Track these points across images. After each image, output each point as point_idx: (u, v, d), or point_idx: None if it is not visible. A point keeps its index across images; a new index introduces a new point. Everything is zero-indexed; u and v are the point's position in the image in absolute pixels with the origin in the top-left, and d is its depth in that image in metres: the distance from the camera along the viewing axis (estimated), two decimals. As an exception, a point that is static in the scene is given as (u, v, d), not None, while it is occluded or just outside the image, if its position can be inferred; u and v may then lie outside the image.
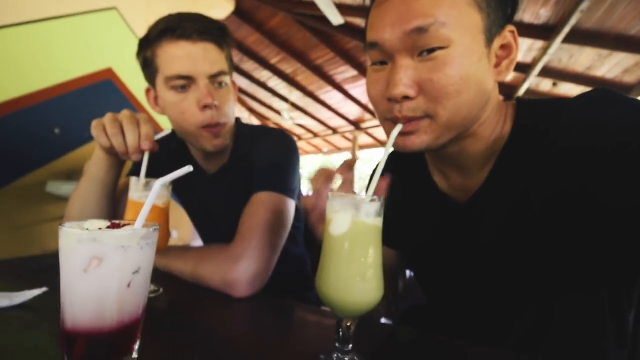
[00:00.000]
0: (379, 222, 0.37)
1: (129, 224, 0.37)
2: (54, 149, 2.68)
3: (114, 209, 0.75)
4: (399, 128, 0.45)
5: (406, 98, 0.44)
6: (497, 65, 0.47)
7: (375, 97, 0.49)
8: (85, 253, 0.31)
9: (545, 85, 4.41)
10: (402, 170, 0.68)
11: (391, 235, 0.70)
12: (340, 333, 0.37)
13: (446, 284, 0.63)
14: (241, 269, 0.60)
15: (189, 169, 0.37)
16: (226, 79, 0.73)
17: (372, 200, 0.36)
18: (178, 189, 0.93)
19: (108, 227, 0.36)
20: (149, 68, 0.72)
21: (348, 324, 0.37)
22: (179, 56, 0.66)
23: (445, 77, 0.42)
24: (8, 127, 2.25)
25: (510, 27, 0.47)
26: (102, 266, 0.31)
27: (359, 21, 4.15)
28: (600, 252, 0.47)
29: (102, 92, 2.88)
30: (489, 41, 0.44)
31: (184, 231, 4.02)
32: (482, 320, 0.59)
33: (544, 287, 0.51)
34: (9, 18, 2.22)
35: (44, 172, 2.49)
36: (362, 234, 0.35)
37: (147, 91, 0.78)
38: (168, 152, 0.86)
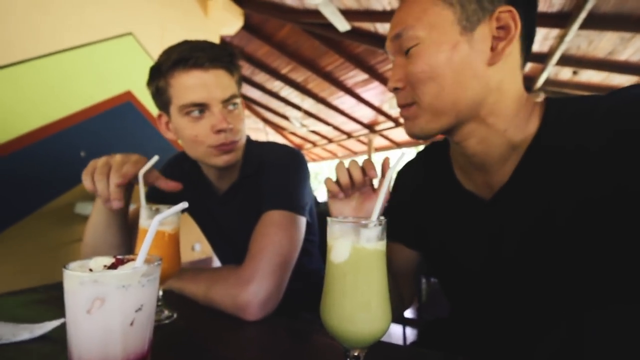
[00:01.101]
0: (381, 245, 0.35)
1: (132, 259, 0.37)
2: (80, 171, 2.79)
3: (128, 234, 0.76)
4: (400, 156, 0.46)
5: (397, 89, 0.54)
6: (493, 48, 0.49)
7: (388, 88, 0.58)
8: (87, 294, 0.31)
9: (565, 74, 4.24)
10: (426, 171, 0.69)
11: (414, 236, 0.70)
12: (348, 362, 0.36)
13: (470, 288, 0.61)
14: (252, 292, 0.60)
15: (184, 205, 0.38)
16: (237, 100, 0.76)
17: (372, 225, 0.35)
18: (191, 210, 0.94)
19: (112, 264, 0.37)
20: (162, 96, 0.74)
21: (355, 354, 0.36)
22: (192, 85, 0.69)
23: (417, 68, 0.50)
24: (37, 153, 2.37)
25: (504, 8, 0.48)
26: (104, 306, 0.31)
27: (365, 25, 4.14)
28: (638, 254, 0.44)
29: (123, 114, 3.00)
30: (468, 29, 0.48)
31: (206, 244, 4.09)
32: (507, 334, 0.56)
33: (576, 294, 0.48)
34: (32, 52, 2.36)
35: (72, 194, 2.61)
36: (363, 261, 0.34)
37: (159, 117, 0.80)
38: (181, 173, 0.87)
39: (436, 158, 0.67)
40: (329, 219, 0.37)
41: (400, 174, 0.77)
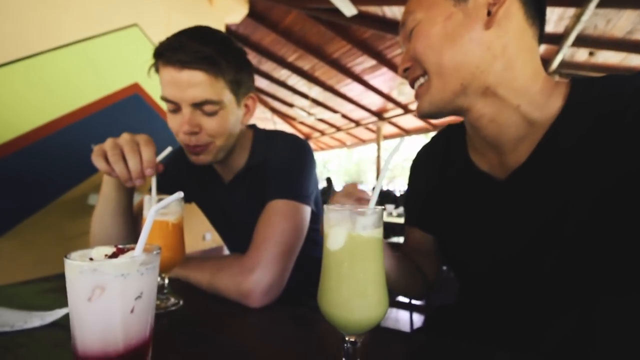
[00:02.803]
0: (377, 233, 0.35)
1: (133, 248, 0.38)
2: (91, 164, 2.85)
3: (134, 225, 0.78)
4: (402, 141, 0.44)
5: (406, 70, 0.58)
6: (489, 14, 0.50)
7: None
8: (87, 283, 0.32)
9: (581, 55, 4.09)
10: (441, 155, 0.69)
11: (430, 220, 0.70)
12: (346, 348, 0.36)
13: (483, 270, 0.60)
14: (255, 280, 0.61)
15: (179, 194, 0.38)
16: (215, 107, 0.70)
17: (369, 213, 0.34)
18: (198, 199, 0.95)
19: (113, 253, 0.38)
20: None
21: (352, 339, 0.36)
22: (166, 81, 0.68)
23: (417, 44, 0.54)
24: (49, 147, 2.43)
25: None
26: (104, 295, 0.32)
27: (373, 9, 4.05)
28: None
29: (131, 105, 3.03)
30: (461, 0, 0.51)
31: (217, 233, 4.16)
32: (517, 320, 0.56)
33: (590, 279, 0.47)
34: (38, 46, 2.38)
35: (85, 186, 2.67)
36: (359, 248, 0.34)
37: None
38: (187, 162, 0.88)
39: (451, 141, 0.68)
40: (325, 206, 0.36)
41: (416, 159, 0.77)
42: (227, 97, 0.72)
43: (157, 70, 0.71)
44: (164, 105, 0.77)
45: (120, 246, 0.39)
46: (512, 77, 0.50)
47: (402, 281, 0.62)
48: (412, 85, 0.59)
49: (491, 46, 0.50)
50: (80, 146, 2.64)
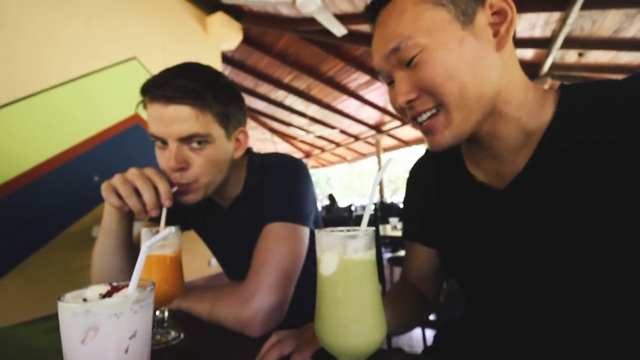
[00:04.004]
0: (369, 255, 0.35)
1: (127, 286, 0.38)
2: (95, 195, 2.88)
3: (135, 256, 0.77)
4: (389, 163, 0.44)
5: (411, 101, 0.51)
6: (495, 34, 0.48)
7: (396, 110, 0.56)
8: (80, 325, 0.32)
9: (571, 57, 4.14)
10: (437, 167, 0.68)
11: (431, 233, 0.69)
12: (348, 376, 0.36)
13: (486, 283, 0.59)
14: (254, 308, 0.60)
15: (170, 229, 0.38)
16: (204, 139, 0.68)
17: (359, 236, 0.34)
18: (197, 227, 0.95)
19: (108, 292, 0.37)
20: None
21: (353, 367, 0.35)
22: (153, 117, 0.67)
23: (430, 73, 0.47)
24: (52, 181, 2.45)
25: None
26: (98, 336, 0.32)
27: (362, 28, 4.15)
28: None
29: (132, 136, 3.08)
30: (467, 22, 0.47)
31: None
32: (523, 335, 0.54)
33: (597, 291, 0.46)
34: (41, 84, 2.45)
35: (89, 218, 2.68)
36: (352, 272, 0.34)
37: None
38: None
39: (446, 152, 0.66)
40: (316, 230, 0.36)
41: (412, 172, 0.77)
42: (216, 130, 0.70)
43: (144, 107, 0.71)
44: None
45: (114, 284, 0.38)
46: (513, 92, 0.50)
47: (402, 329, 0.65)
48: (415, 118, 0.53)
49: (501, 68, 0.49)
50: (83, 179, 2.67)
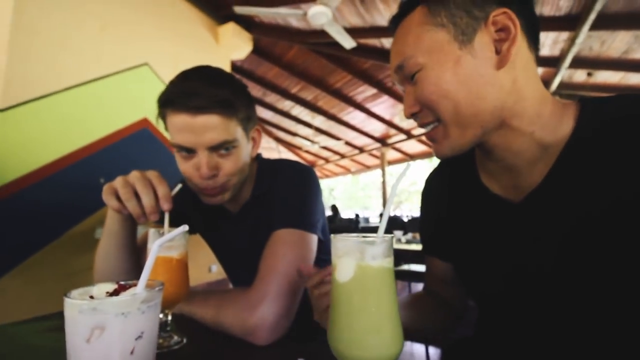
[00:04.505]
0: (388, 262, 0.33)
1: (135, 285, 0.37)
2: (100, 197, 2.88)
3: (138, 258, 0.76)
4: (408, 167, 0.44)
5: (414, 114, 0.55)
6: (498, 52, 0.49)
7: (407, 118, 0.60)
8: (86, 323, 0.30)
9: (579, 76, 4.15)
10: (451, 179, 0.68)
11: (444, 247, 0.69)
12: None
13: (501, 295, 0.57)
14: (261, 315, 0.58)
15: (184, 227, 0.37)
16: (231, 145, 0.70)
17: (377, 242, 0.33)
18: (203, 231, 0.94)
19: (115, 290, 0.36)
20: (165, 124, 0.74)
21: (366, 380, 0.33)
22: (179, 128, 0.66)
23: (425, 91, 0.50)
24: (58, 182, 2.46)
25: (497, 11, 0.48)
26: (104, 335, 0.31)
27: (371, 41, 4.21)
28: None
29: (140, 140, 3.11)
30: (466, 41, 0.49)
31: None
32: (539, 353, 0.52)
33: (619, 306, 0.44)
34: (53, 86, 2.49)
35: (93, 220, 2.68)
36: (370, 280, 0.32)
37: None
38: (193, 195, 0.88)
39: (460, 165, 0.66)
40: (332, 235, 0.35)
41: (426, 185, 0.76)
42: (239, 134, 0.71)
43: (162, 118, 0.70)
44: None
45: (122, 282, 0.37)
46: (524, 106, 0.50)
47: (418, 326, 0.62)
48: (422, 126, 0.57)
49: (504, 84, 0.49)
50: (90, 181, 2.68)
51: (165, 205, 0.62)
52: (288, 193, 0.78)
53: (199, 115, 0.65)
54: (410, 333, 0.63)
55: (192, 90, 0.65)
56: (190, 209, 0.90)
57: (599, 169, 0.46)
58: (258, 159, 0.88)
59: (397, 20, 0.56)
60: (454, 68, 0.48)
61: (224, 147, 0.69)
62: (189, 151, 0.68)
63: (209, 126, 0.65)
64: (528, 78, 0.50)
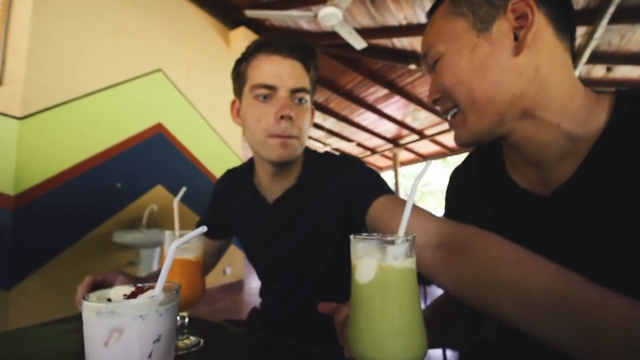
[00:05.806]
0: (410, 263, 0.32)
1: (152, 287, 0.36)
2: (117, 201, 2.96)
3: None
4: (429, 165, 0.42)
5: (436, 101, 0.57)
6: (517, 38, 0.48)
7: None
8: (104, 326, 0.30)
9: (598, 71, 4.03)
10: (478, 173, 0.67)
11: None
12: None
13: None
14: None
15: (203, 229, 0.37)
16: (306, 97, 0.78)
17: (399, 241, 0.32)
18: (236, 218, 0.92)
19: (132, 293, 0.36)
20: (239, 79, 0.80)
21: (389, 386, 0.32)
22: (268, 67, 0.74)
23: (444, 78, 0.53)
24: (77, 187, 2.53)
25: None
26: (122, 338, 0.30)
27: (382, 42, 4.18)
28: None
29: (155, 144, 3.16)
30: (484, 29, 0.50)
31: (237, 267, 4.12)
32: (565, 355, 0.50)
33: None
34: (70, 94, 2.56)
35: (110, 224, 2.73)
36: (391, 281, 0.31)
37: (232, 103, 0.85)
38: (227, 187, 0.90)
39: (487, 159, 0.66)
40: (351, 236, 0.34)
41: (451, 178, 0.75)
42: (310, 89, 0.80)
43: (242, 66, 0.79)
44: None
45: (139, 285, 0.37)
46: (549, 96, 0.49)
47: (438, 337, 0.60)
48: (444, 114, 0.58)
49: (523, 71, 0.48)
50: (106, 186, 2.74)
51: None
52: (356, 173, 0.79)
53: (288, 58, 0.74)
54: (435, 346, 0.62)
55: (283, 39, 0.75)
56: (228, 200, 0.92)
57: (634, 162, 0.44)
58: (305, 148, 0.87)
59: (429, 14, 0.59)
60: (470, 55, 0.50)
61: (300, 94, 0.76)
62: (271, 88, 0.74)
63: (294, 70, 0.75)
64: (554, 67, 0.49)
